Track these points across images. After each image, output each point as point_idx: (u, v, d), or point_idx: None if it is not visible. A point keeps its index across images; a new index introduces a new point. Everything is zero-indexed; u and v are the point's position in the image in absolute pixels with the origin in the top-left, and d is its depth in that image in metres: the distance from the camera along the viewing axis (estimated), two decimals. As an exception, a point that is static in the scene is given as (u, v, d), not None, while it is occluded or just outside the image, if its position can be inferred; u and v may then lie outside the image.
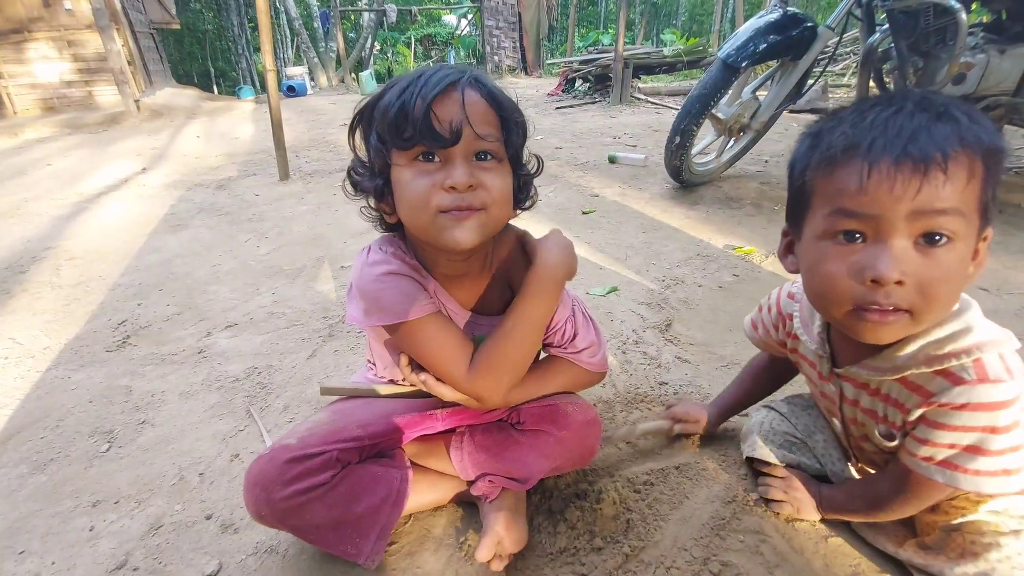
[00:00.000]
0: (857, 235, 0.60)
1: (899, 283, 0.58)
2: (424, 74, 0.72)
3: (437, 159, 0.71)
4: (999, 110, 2.37)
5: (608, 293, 1.85)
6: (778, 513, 0.93)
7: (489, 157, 0.74)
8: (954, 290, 0.60)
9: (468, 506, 1.00)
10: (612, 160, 3.60)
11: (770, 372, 1.05)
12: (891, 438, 0.75)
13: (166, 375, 1.51)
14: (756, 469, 1.03)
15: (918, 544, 0.82)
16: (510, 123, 0.75)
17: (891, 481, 0.77)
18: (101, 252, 2.47)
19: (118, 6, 7.43)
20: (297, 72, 10.59)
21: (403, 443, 0.93)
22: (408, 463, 0.94)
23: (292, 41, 18.18)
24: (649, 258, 2.13)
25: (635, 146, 4.02)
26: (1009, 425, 0.63)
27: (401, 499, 0.89)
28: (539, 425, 0.89)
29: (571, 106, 6.32)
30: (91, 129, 6.21)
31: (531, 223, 2.62)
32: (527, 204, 0.86)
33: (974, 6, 2.44)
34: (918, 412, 0.68)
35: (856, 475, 0.95)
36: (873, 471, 0.91)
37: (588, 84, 7.15)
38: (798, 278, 0.76)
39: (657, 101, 6.20)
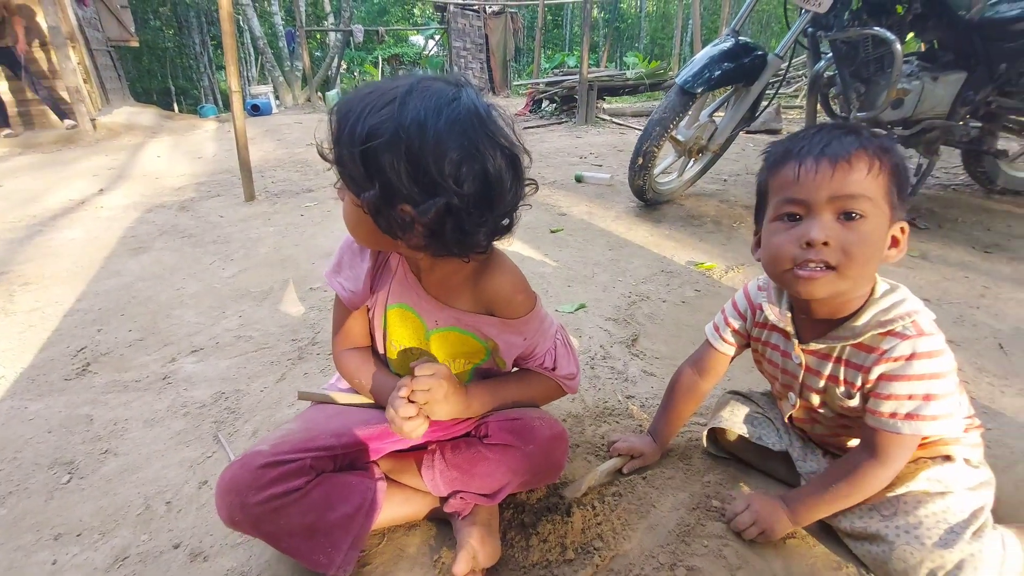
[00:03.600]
0: (797, 216, 0.80)
1: (825, 244, 0.76)
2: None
3: None
4: (935, 132, 2.55)
5: (576, 310, 1.90)
6: (753, 540, 0.93)
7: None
8: (869, 255, 0.77)
9: (441, 524, 1.02)
10: (579, 179, 3.69)
11: (694, 387, 1.11)
12: (850, 396, 0.88)
13: (129, 402, 1.47)
14: (716, 454, 1.15)
15: (856, 511, 0.90)
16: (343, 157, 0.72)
17: (863, 451, 0.85)
18: (57, 276, 2.39)
19: (74, 23, 7.25)
20: (262, 91, 10.50)
21: (375, 456, 0.94)
22: (382, 475, 0.95)
23: (256, 60, 18.02)
24: (615, 275, 2.19)
25: (601, 165, 4.14)
26: (947, 371, 0.79)
27: (373, 509, 0.90)
28: (506, 439, 0.91)
29: (538, 126, 6.46)
30: (45, 149, 6.00)
31: (500, 241, 2.66)
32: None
33: (909, 37, 2.64)
34: (877, 370, 0.82)
35: (803, 443, 1.04)
36: (817, 439, 1.03)
37: (555, 105, 7.32)
38: (762, 274, 0.94)
39: (621, 122, 6.39)
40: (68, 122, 6.38)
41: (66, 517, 1.09)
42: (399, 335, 0.96)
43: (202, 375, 1.59)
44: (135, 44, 10.81)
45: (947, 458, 0.89)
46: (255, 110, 9.15)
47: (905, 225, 0.81)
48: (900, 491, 0.87)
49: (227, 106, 4.09)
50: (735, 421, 1.10)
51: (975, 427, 0.93)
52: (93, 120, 6.54)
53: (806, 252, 0.77)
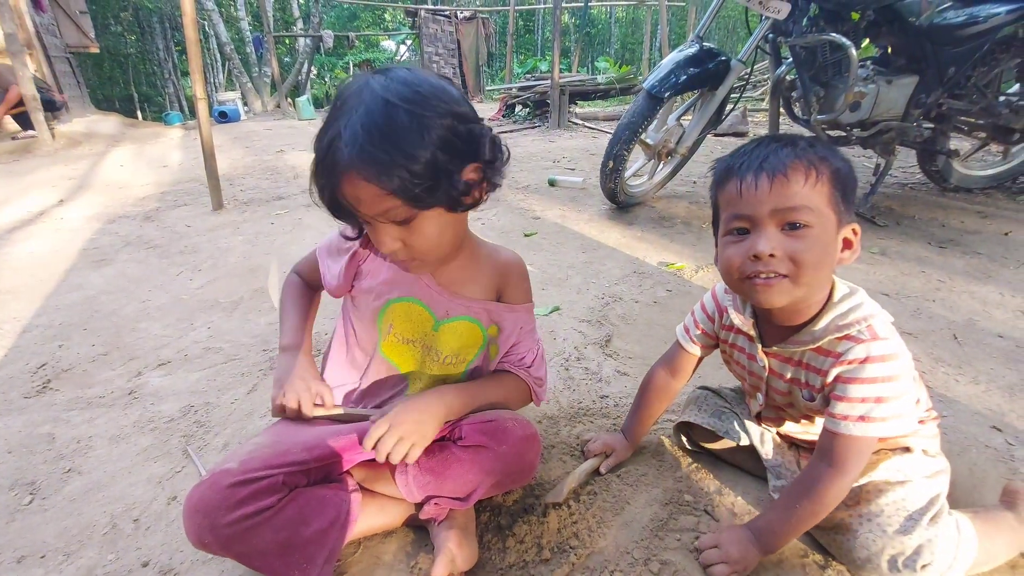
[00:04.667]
0: (744, 230, 0.83)
1: (772, 256, 0.79)
2: None
3: None
4: (891, 133, 2.66)
5: (551, 312, 1.92)
6: None
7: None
8: (818, 261, 0.79)
9: (418, 530, 1.01)
10: (552, 183, 3.72)
11: (665, 386, 1.14)
12: (812, 399, 0.91)
13: (93, 419, 1.43)
14: (687, 448, 1.18)
15: None
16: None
17: (820, 461, 0.86)
18: (14, 291, 2.31)
19: (31, 30, 7.01)
20: (229, 97, 10.31)
21: (348, 466, 0.94)
22: (356, 486, 0.95)
23: (224, 66, 17.68)
24: (589, 277, 2.22)
25: (574, 169, 4.18)
26: (899, 374, 0.81)
27: (348, 522, 0.89)
28: (479, 440, 0.92)
29: (512, 131, 6.49)
30: (0, 159, 5.78)
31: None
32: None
33: (865, 43, 2.75)
34: (834, 372, 0.84)
35: (770, 438, 1.06)
36: (785, 431, 1.05)
37: (527, 110, 7.36)
38: None
39: (593, 126, 6.47)
40: (29, 132, 6.15)
41: (29, 539, 1.05)
42: (403, 328, 0.98)
43: (170, 389, 1.55)
44: (95, 50, 10.50)
45: (906, 449, 0.92)
46: (223, 117, 8.98)
47: (857, 227, 0.83)
48: (863, 481, 0.90)
49: (193, 113, 4.00)
50: (704, 416, 1.12)
51: (932, 418, 0.96)
52: (52, 129, 6.32)
53: (755, 264, 0.80)
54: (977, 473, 1.11)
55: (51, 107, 6.33)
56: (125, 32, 19.82)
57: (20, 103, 5.98)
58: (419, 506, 0.96)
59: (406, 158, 0.72)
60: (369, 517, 0.96)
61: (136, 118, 14.29)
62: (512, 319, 1.02)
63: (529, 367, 1.06)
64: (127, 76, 20.82)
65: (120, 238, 2.99)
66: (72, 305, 2.15)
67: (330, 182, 0.76)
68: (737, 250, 0.83)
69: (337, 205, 0.79)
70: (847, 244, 0.83)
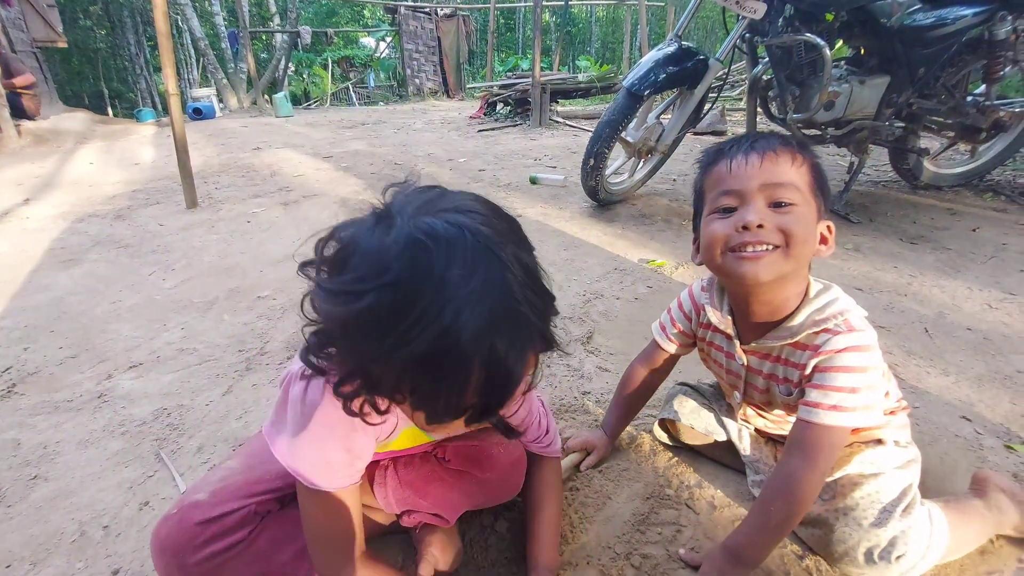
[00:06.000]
0: (732, 208, 0.84)
1: (760, 227, 0.80)
2: None
3: None
4: (864, 132, 2.71)
5: (532, 310, 1.91)
6: None
7: None
8: (806, 235, 0.81)
9: (402, 531, 1.00)
10: (533, 181, 3.72)
11: (644, 383, 1.15)
12: (790, 394, 0.92)
13: (60, 424, 1.38)
14: (668, 443, 1.20)
15: None
16: None
17: (791, 456, 0.84)
18: (-23, 293, 2.22)
19: (-7, 23, 6.77)
20: (204, 94, 10.07)
21: None
22: None
23: (198, 61, 17.29)
24: (570, 274, 2.22)
25: (555, 167, 4.19)
26: (872, 366, 0.83)
27: None
28: (464, 465, 0.89)
29: (493, 129, 6.47)
30: (-39, 156, 5.56)
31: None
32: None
33: (839, 44, 2.80)
34: (812, 364, 0.85)
35: (748, 434, 1.07)
36: (762, 428, 1.06)
37: (509, 108, 7.35)
38: (707, 274, 0.97)
39: (575, 124, 6.49)
40: None
41: (-10, 550, 1.01)
42: (403, 443, 0.87)
43: (141, 391, 1.51)
44: (63, 45, 10.18)
45: (879, 441, 0.94)
46: (197, 114, 8.77)
47: (831, 224, 0.86)
48: (838, 475, 0.91)
49: (166, 110, 3.90)
50: (683, 413, 1.13)
51: (902, 408, 0.98)
52: (17, 125, 6.11)
53: (742, 235, 0.81)
54: (948, 462, 1.14)
55: (20, 114, 6.17)
56: (95, 26, 19.23)
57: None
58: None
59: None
60: None
61: (107, 115, 13.89)
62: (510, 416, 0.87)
63: (547, 444, 0.95)
64: (97, 72, 20.19)
65: (89, 237, 2.90)
66: (38, 307, 2.07)
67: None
68: (723, 224, 0.84)
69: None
70: (823, 239, 0.85)
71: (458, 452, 0.90)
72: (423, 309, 0.49)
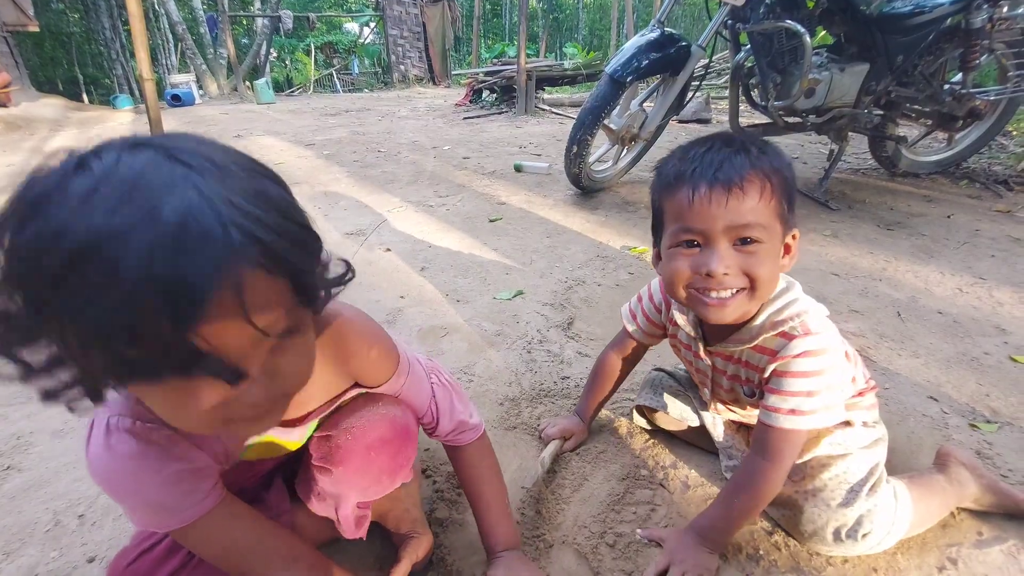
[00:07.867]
0: (695, 243, 0.81)
1: (726, 274, 0.78)
2: None
3: None
4: (844, 120, 2.74)
5: (514, 296, 1.92)
6: None
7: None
8: (771, 272, 0.80)
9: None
10: (518, 169, 3.71)
11: (616, 369, 1.17)
12: (752, 395, 0.93)
13: (33, 414, 1.36)
14: (646, 427, 1.20)
15: None
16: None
17: (755, 454, 0.88)
18: (-53, 283, 2.17)
19: (-41, 4, 6.54)
20: (182, 80, 9.84)
21: (245, 484, 0.83)
22: (287, 500, 0.87)
23: (176, 47, 16.89)
24: (553, 261, 2.23)
25: (540, 155, 4.18)
26: (828, 368, 0.83)
27: None
28: (321, 461, 0.78)
29: (478, 116, 6.43)
30: (-72, 143, 5.40)
31: (439, 232, 2.64)
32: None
33: (819, 30, 2.82)
34: (770, 368, 0.86)
35: (721, 421, 1.09)
36: (734, 418, 1.08)
37: (495, 95, 7.31)
38: None
39: (560, 112, 6.47)
40: None
41: (-38, 540, 1.00)
42: (260, 452, 0.79)
43: (119, 380, 1.49)
44: (35, 29, 9.87)
45: (847, 423, 0.95)
46: (176, 100, 8.61)
47: (796, 232, 0.84)
48: (807, 457, 0.93)
49: (143, 96, 3.82)
50: (659, 398, 1.15)
51: (870, 388, 1.01)
52: (-13, 111, 5.94)
53: (706, 281, 0.79)
54: (914, 440, 1.17)
55: None
56: (67, 9, 18.68)
57: None
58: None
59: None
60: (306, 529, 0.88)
61: (82, 101, 13.55)
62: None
63: (450, 432, 0.88)
64: (71, 57, 19.66)
65: (64, 226, 2.83)
66: (11, 296, 2.03)
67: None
68: (687, 263, 0.81)
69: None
70: (787, 249, 0.84)
71: (315, 447, 0.78)
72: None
